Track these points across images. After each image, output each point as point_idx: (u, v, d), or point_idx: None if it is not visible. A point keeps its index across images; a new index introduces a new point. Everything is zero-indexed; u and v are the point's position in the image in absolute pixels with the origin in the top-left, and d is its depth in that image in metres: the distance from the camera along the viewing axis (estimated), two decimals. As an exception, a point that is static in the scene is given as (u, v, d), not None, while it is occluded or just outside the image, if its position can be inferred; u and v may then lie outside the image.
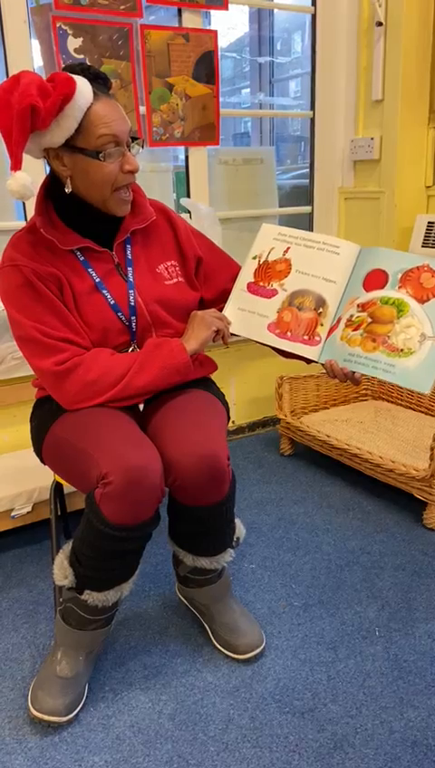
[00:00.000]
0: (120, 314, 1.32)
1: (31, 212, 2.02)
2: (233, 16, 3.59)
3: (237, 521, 1.45)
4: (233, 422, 2.67)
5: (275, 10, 3.41)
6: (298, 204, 2.74)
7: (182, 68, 2.17)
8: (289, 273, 1.38)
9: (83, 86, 1.18)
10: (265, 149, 2.99)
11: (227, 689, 1.38)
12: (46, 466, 1.45)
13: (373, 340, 1.25)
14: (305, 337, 1.33)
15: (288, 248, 1.39)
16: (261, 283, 1.40)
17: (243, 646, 1.44)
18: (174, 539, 1.41)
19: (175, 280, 1.40)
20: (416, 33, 2.31)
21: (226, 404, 1.48)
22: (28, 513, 1.85)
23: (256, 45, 3.53)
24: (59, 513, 1.70)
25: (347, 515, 2.05)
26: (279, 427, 2.48)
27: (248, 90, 3.84)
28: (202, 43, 2.18)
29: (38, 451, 1.43)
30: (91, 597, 1.27)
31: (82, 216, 1.30)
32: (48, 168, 1.30)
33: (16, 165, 1.16)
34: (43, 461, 1.44)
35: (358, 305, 1.29)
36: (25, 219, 2.03)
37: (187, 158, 2.33)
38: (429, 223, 2.39)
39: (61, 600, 1.35)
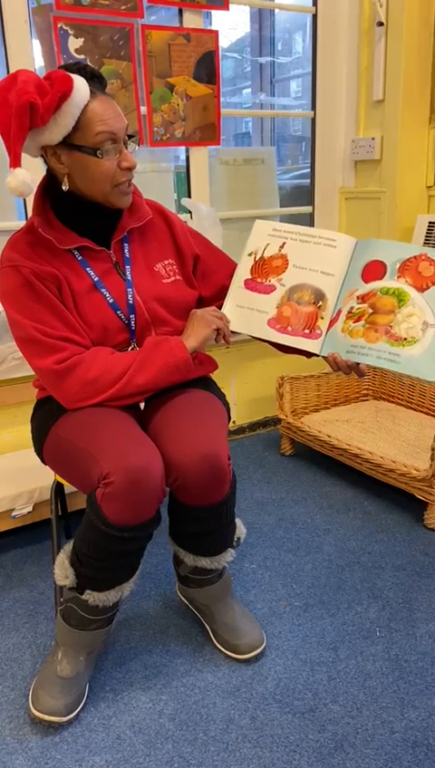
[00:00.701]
0: (119, 313, 1.32)
1: (31, 212, 2.03)
2: (234, 16, 3.60)
3: (238, 521, 1.45)
4: (234, 422, 2.67)
5: (276, 10, 3.41)
6: (299, 204, 2.74)
7: (183, 68, 2.17)
8: (286, 268, 1.38)
9: (80, 84, 1.18)
10: (266, 149, 2.99)
11: (227, 689, 1.38)
12: (47, 467, 1.45)
13: (376, 331, 1.25)
14: (306, 331, 1.33)
15: (284, 243, 1.40)
16: (258, 280, 1.40)
17: (244, 646, 1.44)
18: (175, 539, 1.41)
19: (173, 278, 1.40)
20: (417, 33, 2.31)
21: (226, 404, 1.48)
22: (29, 513, 1.85)
23: (257, 45, 3.53)
24: (60, 513, 1.71)
25: (348, 515, 2.05)
26: (280, 427, 2.48)
27: (249, 90, 3.85)
28: (203, 44, 2.18)
29: (39, 451, 1.43)
30: (91, 597, 1.27)
31: (79, 215, 1.30)
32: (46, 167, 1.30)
33: (15, 162, 1.17)
34: (43, 461, 1.44)
35: (358, 297, 1.29)
36: (26, 219, 2.03)
37: (187, 158, 2.33)
38: (429, 223, 2.39)
39: (61, 599, 1.35)
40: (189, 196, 2.37)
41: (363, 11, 2.42)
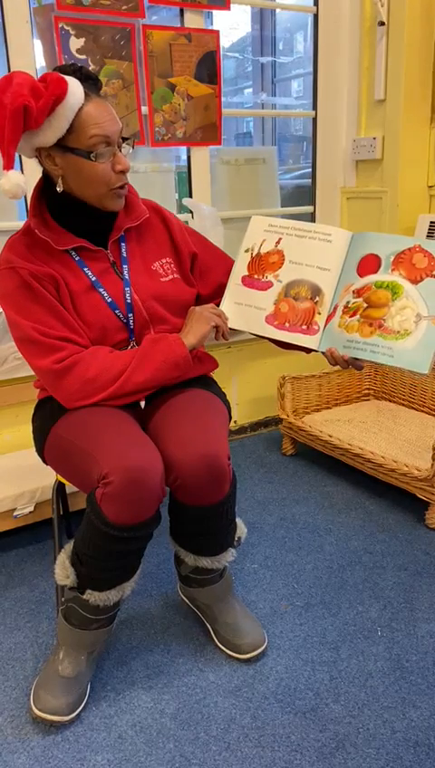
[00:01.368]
0: (117, 312, 1.33)
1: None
2: (235, 16, 3.59)
3: (239, 520, 1.45)
4: (235, 422, 2.67)
5: (278, 10, 3.41)
6: (300, 204, 2.73)
7: (184, 68, 2.17)
8: (283, 264, 1.38)
9: (75, 87, 1.19)
10: (268, 149, 2.99)
11: (229, 689, 1.38)
12: (48, 466, 1.45)
13: (370, 325, 1.25)
14: (304, 327, 1.33)
15: (280, 239, 1.40)
16: (255, 276, 1.40)
17: (245, 645, 1.44)
18: (175, 539, 1.41)
19: (171, 276, 1.40)
20: (418, 33, 2.31)
21: (227, 403, 1.48)
22: (30, 512, 1.85)
23: (259, 45, 3.52)
24: (61, 513, 1.71)
25: (349, 515, 2.05)
26: (281, 426, 2.48)
27: (250, 90, 3.84)
28: (204, 43, 2.18)
29: (40, 451, 1.43)
30: (92, 596, 1.27)
31: (75, 216, 1.31)
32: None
33: (9, 164, 1.18)
34: (44, 461, 1.44)
35: (353, 291, 1.29)
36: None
37: (189, 158, 2.33)
38: (431, 222, 2.39)
39: (63, 599, 1.35)
40: (191, 196, 2.37)
41: (365, 10, 2.42)
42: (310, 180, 2.70)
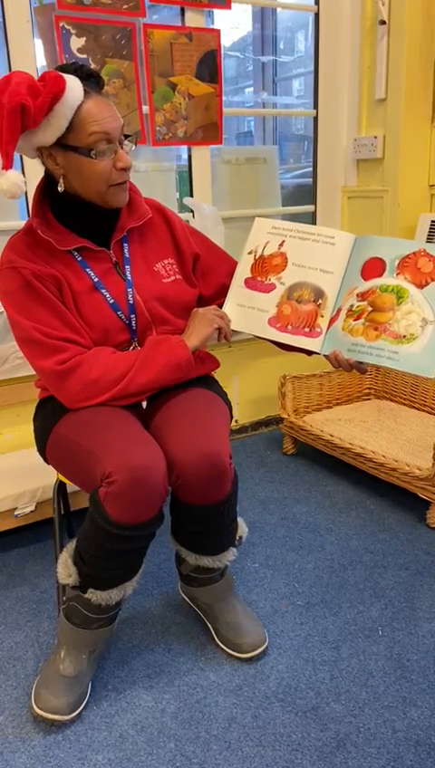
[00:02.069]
0: (119, 313, 1.33)
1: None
2: (236, 15, 3.59)
3: (240, 520, 1.45)
4: (236, 421, 2.67)
5: (279, 9, 3.41)
6: (301, 203, 2.73)
7: (185, 67, 2.17)
8: (286, 266, 1.38)
9: (74, 84, 1.18)
10: (269, 148, 2.98)
11: (229, 688, 1.38)
12: (49, 466, 1.45)
13: (375, 329, 1.25)
14: (306, 329, 1.33)
15: (283, 241, 1.39)
16: (258, 278, 1.40)
17: (246, 645, 1.44)
18: (176, 538, 1.41)
19: (173, 277, 1.40)
20: (419, 32, 2.31)
21: (228, 402, 1.48)
22: (31, 512, 1.85)
23: (259, 44, 3.52)
24: (62, 512, 1.71)
25: (350, 515, 2.05)
26: (282, 426, 2.48)
27: (251, 89, 3.84)
28: (205, 43, 2.18)
29: (41, 450, 1.43)
30: (94, 596, 1.27)
31: (77, 215, 1.30)
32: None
33: (7, 164, 1.17)
34: (46, 460, 1.44)
35: (357, 295, 1.29)
36: (29, 218, 2.03)
37: (190, 157, 2.33)
38: (432, 222, 2.39)
39: (64, 598, 1.35)
40: (192, 196, 2.37)
41: (366, 9, 2.42)
42: (311, 179, 2.70)
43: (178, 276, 1.41)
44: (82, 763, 1.22)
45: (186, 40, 2.14)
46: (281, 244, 1.40)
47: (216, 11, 2.24)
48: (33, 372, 1.76)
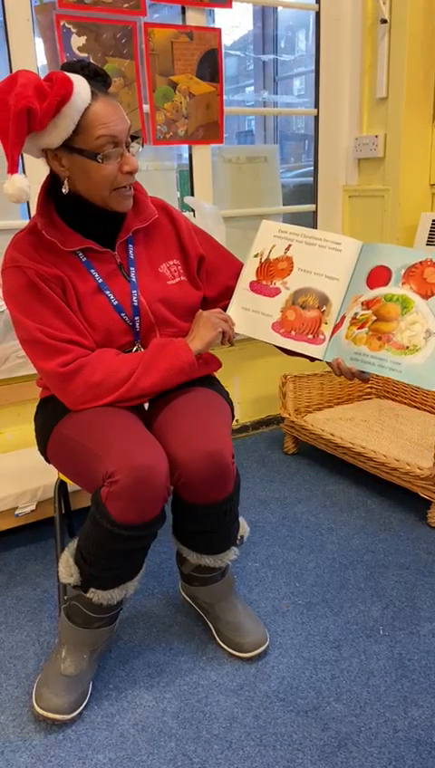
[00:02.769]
0: (123, 315, 1.32)
1: (34, 211, 2.03)
2: (237, 14, 3.58)
3: (241, 519, 1.45)
4: (237, 420, 2.67)
5: (280, 8, 3.40)
6: (302, 202, 2.73)
7: (186, 66, 2.16)
8: (291, 271, 1.37)
9: (81, 87, 1.17)
10: (269, 147, 2.98)
11: (230, 687, 1.38)
12: (50, 465, 1.45)
13: (379, 339, 1.24)
14: (310, 336, 1.33)
15: (289, 246, 1.39)
16: (264, 282, 1.39)
17: (247, 644, 1.44)
18: (178, 537, 1.41)
19: (177, 279, 1.40)
20: (420, 31, 2.30)
21: (230, 402, 1.48)
22: (32, 511, 1.85)
23: (260, 43, 3.52)
24: (63, 512, 1.71)
25: (351, 514, 2.05)
26: (283, 425, 2.48)
27: (252, 88, 3.84)
28: (206, 41, 2.17)
29: (43, 450, 1.43)
30: (96, 595, 1.27)
31: (82, 216, 1.30)
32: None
33: (13, 168, 1.15)
34: (47, 460, 1.44)
35: (362, 303, 1.28)
36: (29, 218, 2.03)
37: (190, 156, 2.33)
38: (433, 221, 2.38)
39: (65, 597, 1.35)
40: (192, 195, 2.36)
41: (367, 8, 2.42)
42: (312, 178, 2.70)
43: (182, 278, 1.41)
44: (82, 762, 1.22)
45: (187, 39, 2.14)
46: (287, 249, 1.39)
47: (217, 10, 2.24)
48: (34, 371, 1.77)
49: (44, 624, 1.58)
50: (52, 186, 1.31)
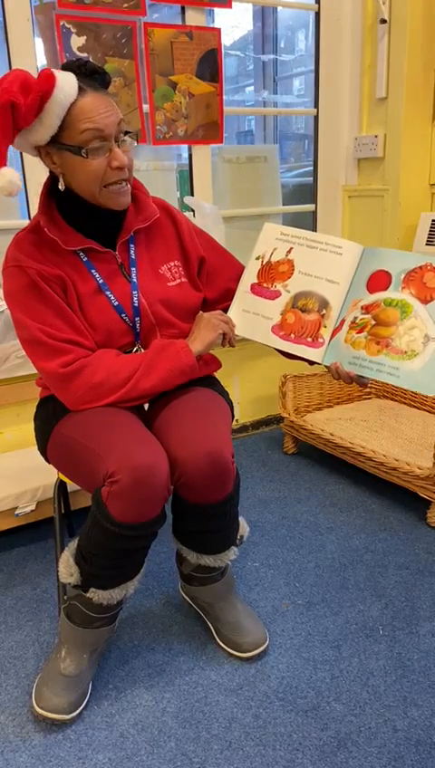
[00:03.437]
0: (123, 316, 1.32)
1: (34, 210, 2.02)
2: (236, 14, 3.59)
3: (241, 519, 1.45)
4: (236, 420, 2.67)
5: (279, 7, 3.41)
6: (302, 202, 2.73)
7: (186, 66, 2.16)
8: (292, 274, 1.37)
9: (65, 82, 1.16)
10: (269, 147, 2.98)
11: (230, 687, 1.38)
12: (50, 465, 1.45)
13: (377, 343, 1.24)
14: (309, 339, 1.32)
15: (291, 249, 1.39)
16: (264, 285, 1.39)
17: (246, 644, 1.44)
18: (178, 536, 1.41)
19: (178, 281, 1.40)
20: (420, 30, 2.30)
21: (230, 402, 1.48)
22: (32, 511, 1.85)
23: (260, 43, 3.52)
24: (62, 512, 1.71)
25: (351, 514, 2.05)
26: (283, 425, 2.48)
27: (252, 87, 3.84)
28: (206, 41, 2.17)
29: (43, 450, 1.43)
30: (96, 595, 1.27)
31: (82, 215, 1.29)
32: None
33: (1, 161, 1.16)
34: (47, 459, 1.44)
35: (362, 307, 1.28)
36: (29, 218, 2.03)
37: (190, 156, 2.33)
38: (433, 221, 2.38)
39: (65, 597, 1.35)
40: (192, 195, 2.36)
41: (366, 8, 2.42)
42: (312, 178, 2.70)
43: (183, 279, 1.41)
44: (82, 762, 1.22)
45: (186, 38, 2.14)
46: (289, 252, 1.39)
47: (216, 9, 2.24)
48: (34, 371, 1.77)
49: (44, 624, 1.58)
50: (53, 184, 1.30)
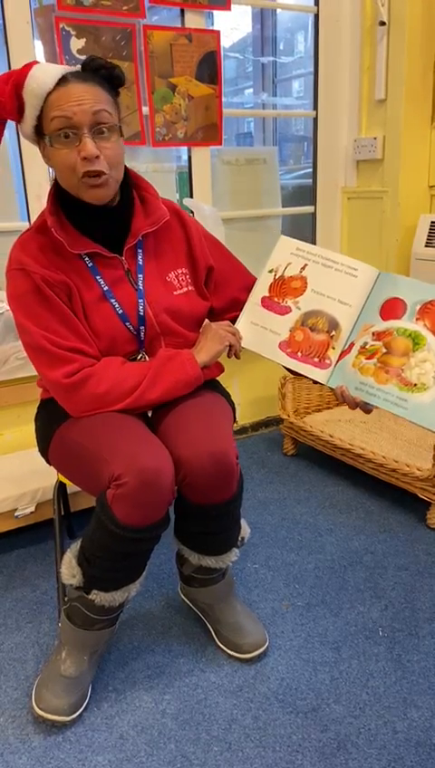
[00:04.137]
0: (127, 324, 1.30)
1: (34, 211, 2.03)
2: (236, 16, 3.59)
3: (242, 521, 1.45)
4: (236, 422, 2.66)
5: (278, 10, 3.41)
6: (301, 204, 2.74)
7: (185, 68, 2.17)
8: (305, 291, 1.34)
9: (43, 72, 1.15)
10: (268, 149, 2.98)
11: (230, 689, 1.38)
12: (50, 467, 1.45)
13: (387, 372, 1.21)
14: (316, 359, 1.31)
15: (305, 265, 1.36)
16: (275, 299, 1.37)
17: (246, 645, 1.44)
18: (180, 538, 1.40)
19: (185, 289, 1.38)
20: (419, 33, 2.31)
21: (232, 404, 1.48)
22: (32, 513, 1.85)
23: (259, 45, 3.52)
24: (62, 514, 1.71)
25: (350, 515, 2.05)
26: (282, 427, 2.48)
27: (251, 90, 3.84)
28: (205, 44, 2.18)
29: (44, 451, 1.43)
30: (98, 597, 1.27)
31: (80, 213, 1.26)
32: None
33: None
34: (48, 461, 1.43)
35: (373, 333, 1.26)
36: (29, 220, 2.03)
37: (190, 158, 2.33)
38: (432, 222, 2.39)
39: (66, 599, 1.35)
40: (192, 197, 2.37)
41: (365, 10, 2.42)
42: (311, 180, 2.70)
43: (190, 288, 1.38)
44: (82, 764, 1.22)
45: (186, 41, 2.14)
46: (303, 268, 1.36)
47: (215, 12, 2.24)
48: (34, 373, 1.77)
49: (44, 626, 1.58)
50: (57, 183, 1.27)
